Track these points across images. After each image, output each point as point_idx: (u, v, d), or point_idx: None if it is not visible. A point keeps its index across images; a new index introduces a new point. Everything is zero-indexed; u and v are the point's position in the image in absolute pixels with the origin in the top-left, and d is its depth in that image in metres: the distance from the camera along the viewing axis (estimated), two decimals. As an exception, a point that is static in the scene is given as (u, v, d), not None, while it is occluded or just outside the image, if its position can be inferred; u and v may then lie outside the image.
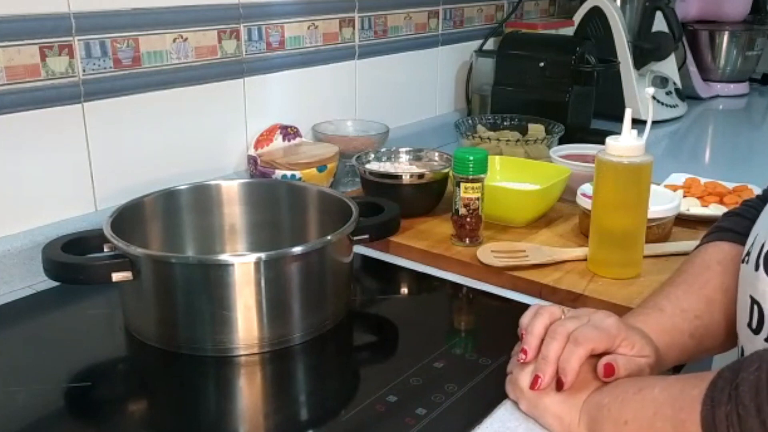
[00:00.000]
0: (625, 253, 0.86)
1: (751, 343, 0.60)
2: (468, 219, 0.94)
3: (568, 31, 1.71)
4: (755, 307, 0.58)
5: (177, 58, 1.03)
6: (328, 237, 0.76)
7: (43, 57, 0.88)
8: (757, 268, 0.58)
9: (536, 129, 1.32)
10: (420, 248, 0.95)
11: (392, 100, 1.44)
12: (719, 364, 0.75)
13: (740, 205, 0.77)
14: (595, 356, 0.61)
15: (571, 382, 0.59)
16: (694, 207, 1.04)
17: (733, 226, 0.72)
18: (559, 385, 0.60)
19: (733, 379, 0.48)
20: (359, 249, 0.94)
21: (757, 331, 0.58)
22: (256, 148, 1.13)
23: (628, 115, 0.82)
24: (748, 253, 0.60)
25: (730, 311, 0.67)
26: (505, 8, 1.73)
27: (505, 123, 1.36)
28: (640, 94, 1.66)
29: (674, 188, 1.06)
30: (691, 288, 0.68)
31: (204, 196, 0.91)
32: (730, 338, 0.68)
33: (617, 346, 0.61)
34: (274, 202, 0.93)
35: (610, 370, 0.59)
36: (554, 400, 0.60)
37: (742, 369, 0.48)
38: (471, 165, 0.91)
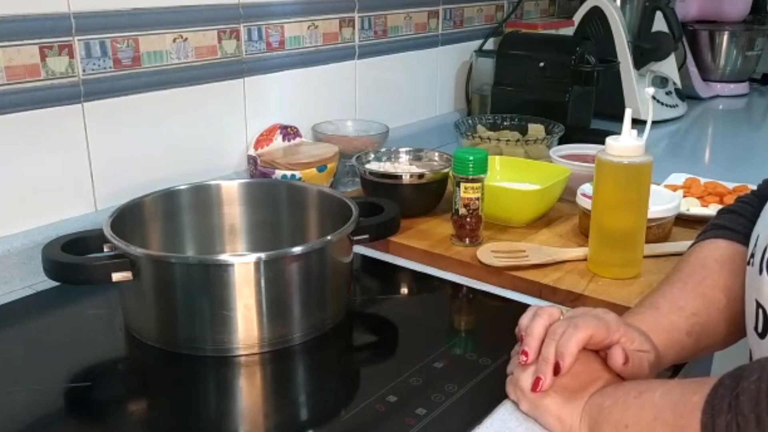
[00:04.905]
0: (625, 253, 0.86)
1: (757, 346, 0.59)
2: (468, 219, 0.94)
3: (568, 31, 1.71)
4: (760, 311, 0.58)
5: (177, 58, 1.03)
6: (328, 237, 0.76)
7: (43, 57, 0.88)
8: (761, 271, 0.57)
9: (536, 129, 1.32)
10: (420, 248, 0.95)
11: (392, 100, 1.44)
12: (719, 363, 0.75)
13: (735, 202, 0.76)
14: (597, 356, 0.61)
15: (569, 365, 0.59)
16: (694, 207, 1.04)
17: (729, 224, 0.72)
18: (556, 370, 0.59)
19: (734, 388, 0.48)
20: (359, 249, 0.94)
21: (762, 335, 0.58)
22: (256, 148, 1.13)
23: (628, 115, 0.82)
24: (752, 255, 0.60)
25: (727, 309, 0.66)
26: (505, 8, 1.73)
27: (505, 123, 1.36)
28: (640, 94, 1.66)
29: (674, 188, 1.06)
30: (687, 286, 0.68)
31: (204, 196, 0.91)
32: (729, 336, 0.68)
33: (616, 340, 0.61)
34: (274, 202, 0.93)
35: (622, 357, 0.59)
36: (555, 401, 0.60)
37: (743, 378, 0.48)
38: (471, 165, 0.91)
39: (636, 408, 0.55)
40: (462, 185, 0.93)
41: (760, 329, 0.58)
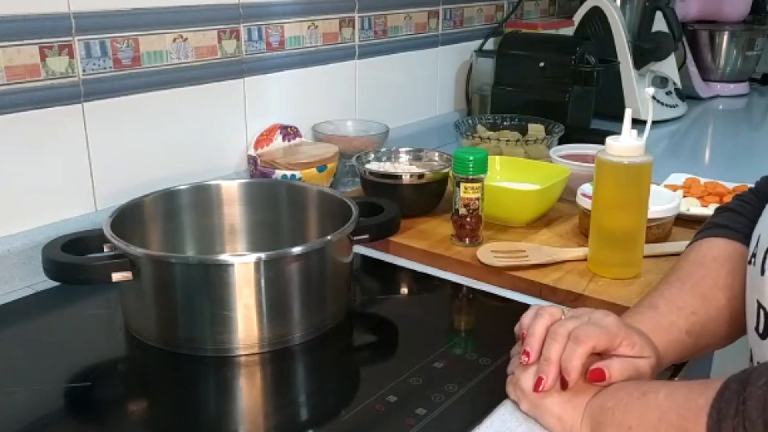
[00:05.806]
0: (625, 253, 0.86)
1: (758, 347, 0.59)
2: (468, 219, 0.94)
3: (568, 31, 1.71)
4: (761, 311, 0.58)
5: (177, 58, 1.03)
6: (328, 237, 0.76)
7: (43, 57, 0.88)
8: (762, 272, 0.57)
9: (536, 129, 1.32)
10: (420, 248, 0.95)
11: (392, 100, 1.44)
12: (719, 363, 0.74)
13: (732, 201, 0.76)
14: (598, 356, 0.61)
15: (575, 380, 0.59)
16: (694, 207, 1.04)
17: (728, 222, 0.72)
18: (563, 385, 0.59)
19: (741, 392, 0.48)
20: (359, 249, 0.94)
21: (763, 336, 0.58)
22: (256, 148, 1.13)
23: (628, 115, 0.82)
24: (754, 255, 0.60)
25: (727, 308, 0.66)
26: (505, 8, 1.73)
27: (505, 123, 1.36)
28: (640, 94, 1.66)
29: (674, 188, 1.06)
30: (685, 285, 0.68)
31: (204, 196, 0.91)
32: (729, 335, 0.68)
33: (618, 345, 0.60)
34: (274, 202, 0.93)
35: (598, 375, 0.59)
36: (556, 401, 0.60)
37: (750, 382, 0.48)
38: (471, 165, 0.91)
39: (639, 409, 0.55)
40: (462, 185, 0.93)
41: (761, 330, 0.58)
